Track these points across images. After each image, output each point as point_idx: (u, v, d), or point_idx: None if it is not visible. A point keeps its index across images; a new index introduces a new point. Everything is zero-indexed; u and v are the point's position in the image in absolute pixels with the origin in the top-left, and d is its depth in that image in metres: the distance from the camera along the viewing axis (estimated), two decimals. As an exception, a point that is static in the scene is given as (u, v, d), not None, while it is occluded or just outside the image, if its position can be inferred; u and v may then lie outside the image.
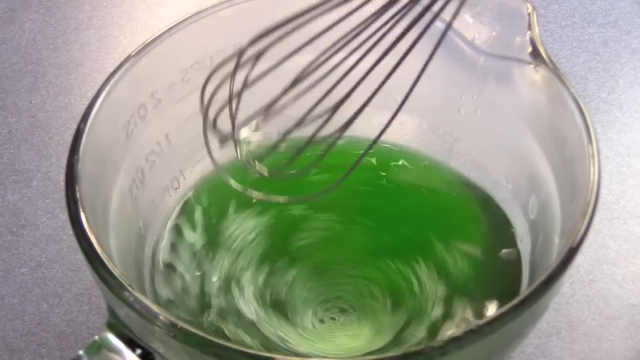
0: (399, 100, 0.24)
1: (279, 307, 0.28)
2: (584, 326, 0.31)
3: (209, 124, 0.23)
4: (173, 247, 0.29)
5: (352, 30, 0.22)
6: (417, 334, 0.27)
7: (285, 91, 0.22)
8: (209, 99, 0.23)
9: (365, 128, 0.25)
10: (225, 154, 0.26)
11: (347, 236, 0.30)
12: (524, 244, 0.27)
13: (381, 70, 0.23)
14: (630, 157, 0.37)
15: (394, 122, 0.25)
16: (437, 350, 0.19)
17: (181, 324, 0.19)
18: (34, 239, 0.34)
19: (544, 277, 0.20)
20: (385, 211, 0.30)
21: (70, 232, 0.21)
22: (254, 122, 0.24)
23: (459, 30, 0.26)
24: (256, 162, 0.25)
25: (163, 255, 0.28)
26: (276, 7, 0.28)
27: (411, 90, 0.23)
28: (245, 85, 0.22)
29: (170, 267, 0.28)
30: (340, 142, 0.24)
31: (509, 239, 0.28)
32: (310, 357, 0.26)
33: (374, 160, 0.31)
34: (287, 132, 0.23)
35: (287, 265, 0.29)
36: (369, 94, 0.23)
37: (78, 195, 0.22)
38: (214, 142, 0.25)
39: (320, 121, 0.23)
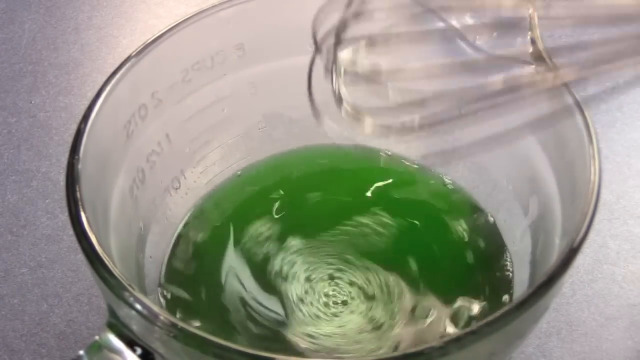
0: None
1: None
2: (584, 326, 0.31)
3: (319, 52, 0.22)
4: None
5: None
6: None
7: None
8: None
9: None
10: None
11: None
12: (524, 245, 0.27)
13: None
14: (630, 157, 0.37)
15: (395, 122, 0.25)
16: (437, 350, 0.19)
17: (181, 324, 0.19)
18: (34, 239, 0.34)
19: (544, 278, 0.20)
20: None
21: (70, 232, 0.21)
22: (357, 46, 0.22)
23: (460, 30, 0.26)
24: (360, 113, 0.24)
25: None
26: (276, 7, 0.29)
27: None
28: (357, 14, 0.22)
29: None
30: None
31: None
32: (311, 356, 0.26)
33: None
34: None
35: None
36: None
37: (78, 195, 0.22)
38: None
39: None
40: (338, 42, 0.22)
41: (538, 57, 0.24)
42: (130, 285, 0.20)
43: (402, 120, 0.23)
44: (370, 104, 0.23)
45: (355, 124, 0.23)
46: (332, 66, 0.23)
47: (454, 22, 0.25)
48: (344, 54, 0.22)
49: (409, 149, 0.32)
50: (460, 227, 0.30)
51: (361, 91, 0.23)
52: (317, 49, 0.22)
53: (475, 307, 0.28)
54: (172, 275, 0.29)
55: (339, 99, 0.23)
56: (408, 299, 0.28)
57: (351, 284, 0.28)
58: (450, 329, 0.27)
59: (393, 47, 0.22)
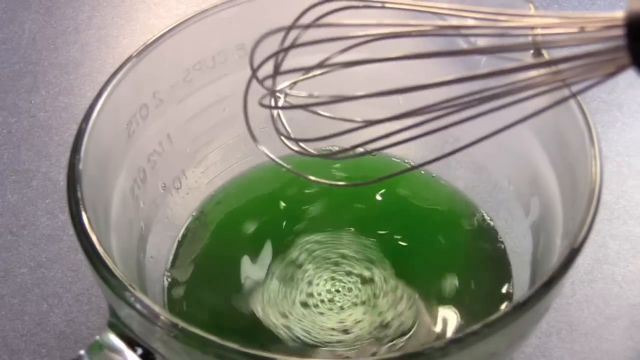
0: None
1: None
2: (584, 326, 0.31)
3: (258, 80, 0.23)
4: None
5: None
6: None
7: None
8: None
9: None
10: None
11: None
12: (524, 245, 0.27)
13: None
14: (630, 157, 0.37)
15: (396, 123, 0.25)
16: (438, 351, 0.19)
17: (182, 324, 0.19)
18: (34, 239, 0.34)
19: (545, 279, 0.20)
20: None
21: (71, 232, 0.21)
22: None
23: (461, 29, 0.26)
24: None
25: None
26: (277, 7, 0.29)
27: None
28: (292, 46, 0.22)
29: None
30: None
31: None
32: (311, 356, 0.26)
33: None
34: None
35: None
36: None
37: (79, 195, 0.22)
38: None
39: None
40: (276, 72, 0.22)
41: (539, 57, 0.24)
42: (131, 285, 0.20)
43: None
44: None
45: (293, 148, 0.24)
46: (270, 96, 0.23)
47: (455, 21, 0.25)
48: (282, 84, 0.23)
49: (408, 150, 0.32)
50: (459, 228, 0.30)
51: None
52: (255, 77, 0.23)
53: (475, 308, 0.28)
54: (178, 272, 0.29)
55: (277, 129, 0.24)
56: (405, 298, 0.28)
57: (352, 281, 0.29)
58: (450, 330, 0.27)
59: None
